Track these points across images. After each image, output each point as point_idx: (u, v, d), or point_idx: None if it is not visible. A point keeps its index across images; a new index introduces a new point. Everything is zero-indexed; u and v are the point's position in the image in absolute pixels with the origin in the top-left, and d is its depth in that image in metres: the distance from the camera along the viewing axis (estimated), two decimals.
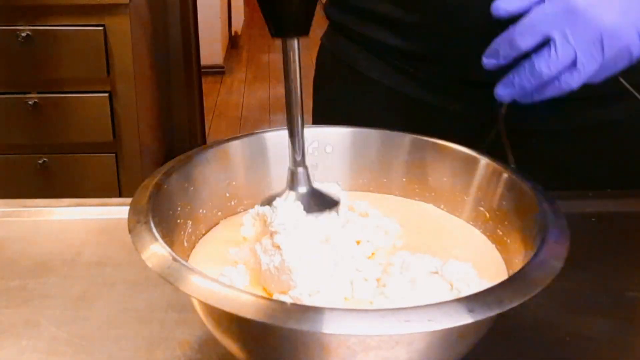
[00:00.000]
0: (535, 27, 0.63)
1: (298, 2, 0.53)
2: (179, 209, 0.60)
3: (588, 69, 0.63)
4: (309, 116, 1.03)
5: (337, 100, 0.97)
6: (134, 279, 0.67)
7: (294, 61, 0.55)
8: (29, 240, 0.74)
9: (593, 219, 0.77)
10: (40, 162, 2.23)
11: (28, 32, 2.08)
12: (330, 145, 0.70)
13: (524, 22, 0.64)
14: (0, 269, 0.69)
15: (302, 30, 0.54)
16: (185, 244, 0.60)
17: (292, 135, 0.57)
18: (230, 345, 0.51)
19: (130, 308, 0.64)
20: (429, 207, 0.68)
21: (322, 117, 1.00)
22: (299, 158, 0.57)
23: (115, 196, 2.23)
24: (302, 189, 0.58)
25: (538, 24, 0.63)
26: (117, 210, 0.78)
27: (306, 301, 0.51)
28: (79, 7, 2.09)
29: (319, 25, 1.01)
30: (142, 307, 0.64)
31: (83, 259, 0.71)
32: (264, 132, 0.68)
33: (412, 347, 0.46)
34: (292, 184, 0.58)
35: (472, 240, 0.63)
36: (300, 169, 0.58)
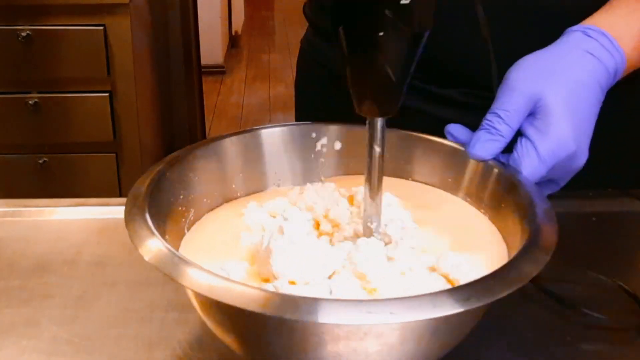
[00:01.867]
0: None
1: (386, 87, 0.54)
2: (181, 196, 0.60)
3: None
4: (284, 113, 1.04)
5: (318, 102, 0.96)
6: (134, 278, 0.67)
7: (378, 137, 0.56)
8: (29, 240, 0.74)
9: (593, 219, 0.77)
10: (40, 161, 2.23)
11: (28, 32, 2.08)
12: (340, 142, 0.70)
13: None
14: (0, 269, 0.69)
15: (389, 112, 0.56)
16: (186, 231, 0.61)
17: (369, 209, 0.59)
18: (223, 335, 0.52)
19: (130, 308, 0.64)
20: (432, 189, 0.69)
21: (305, 118, 1.00)
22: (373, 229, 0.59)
23: (115, 196, 2.23)
24: None
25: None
26: (117, 210, 0.77)
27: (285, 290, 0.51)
28: (79, 6, 2.09)
29: (301, 26, 1.01)
30: (143, 306, 0.64)
31: (83, 258, 0.71)
32: (273, 126, 0.70)
33: (384, 339, 0.47)
34: None
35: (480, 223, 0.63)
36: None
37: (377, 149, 0.57)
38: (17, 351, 0.58)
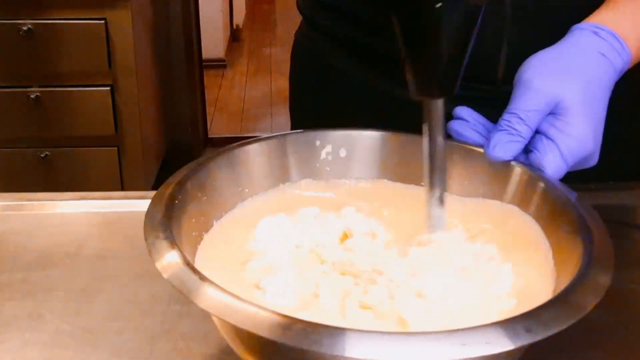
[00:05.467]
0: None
1: (446, 63, 0.53)
2: (194, 220, 0.57)
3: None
4: (285, 106, 1.03)
5: (313, 95, 0.96)
6: (136, 271, 0.67)
7: (439, 121, 0.56)
8: (31, 233, 0.74)
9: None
10: (42, 155, 2.23)
11: (29, 26, 2.08)
12: (345, 149, 0.68)
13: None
14: (3, 262, 0.69)
15: (449, 90, 0.55)
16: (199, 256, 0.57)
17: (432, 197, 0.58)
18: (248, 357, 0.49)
19: (132, 300, 0.64)
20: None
21: (299, 112, 1.00)
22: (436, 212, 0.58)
23: (117, 189, 2.23)
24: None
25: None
26: (119, 204, 0.78)
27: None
28: (80, 0, 2.09)
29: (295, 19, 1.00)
30: (145, 299, 0.64)
31: (85, 252, 0.71)
32: (278, 135, 0.67)
33: None
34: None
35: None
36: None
37: (439, 136, 0.56)
38: (20, 344, 0.59)
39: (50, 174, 2.26)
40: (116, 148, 2.26)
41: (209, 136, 3.32)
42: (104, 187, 2.23)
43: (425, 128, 0.57)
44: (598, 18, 0.69)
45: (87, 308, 0.63)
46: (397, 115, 0.75)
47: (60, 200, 0.79)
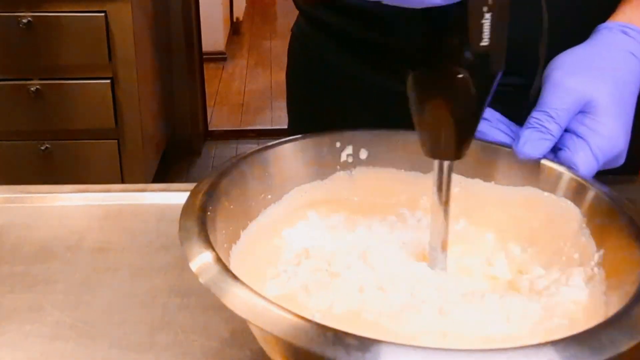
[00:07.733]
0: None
1: (457, 130, 0.51)
2: (224, 232, 0.54)
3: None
4: (283, 102, 1.02)
5: (310, 90, 0.95)
6: (136, 264, 0.68)
7: (447, 182, 0.54)
8: (31, 226, 0.74)
9: None
10: (42, 148, 2.24)
11: (29, 19, 2.08)
12: (366, 150, 0.65)
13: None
14: (3, 255, 0.69)
15: (460, 154, 0.53)
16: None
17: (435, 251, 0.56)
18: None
19: (133, 293, 0.64)
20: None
21: (297, 107, 0.99)
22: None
23: (117, 182, 2.24)
24: None
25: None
26: (119, 196, 0.78)
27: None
28: None
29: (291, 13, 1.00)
30: (145, 292, 0.64)
31: (86, 244, 0.71)
32: (301, 138, 0.63)
33: None
34: None
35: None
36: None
37: (444, 195, 0.54)
38: (21, 336, 0.59)
39: (51, 166, 2.26)
40: (116, 141, 2.27)
41: (209, 129, 3.32)
42: (104, 179, 2.23)
43: (434, 185, 0.55)
44: (625, 17, 0.68)
45: (87, 300, 0.63)
46: (393, 110, 0.75)
47: (61, 192, 0.79)
